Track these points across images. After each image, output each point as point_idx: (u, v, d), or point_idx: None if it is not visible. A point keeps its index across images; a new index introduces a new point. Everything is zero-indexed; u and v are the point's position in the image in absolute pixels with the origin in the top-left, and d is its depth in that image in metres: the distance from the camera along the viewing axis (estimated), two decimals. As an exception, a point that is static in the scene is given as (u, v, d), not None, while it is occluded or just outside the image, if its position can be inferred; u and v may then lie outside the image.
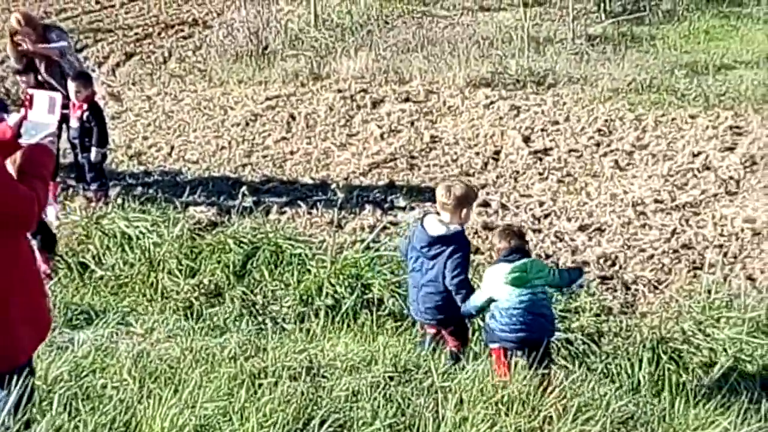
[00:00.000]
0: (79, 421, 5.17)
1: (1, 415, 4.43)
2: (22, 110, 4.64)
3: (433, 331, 7.78)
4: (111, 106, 15.31)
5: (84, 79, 11.00)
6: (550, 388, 6.49)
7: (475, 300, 7.35)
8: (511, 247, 7.31)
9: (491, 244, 7.79)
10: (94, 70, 17.52)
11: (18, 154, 4.48)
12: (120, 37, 20.94)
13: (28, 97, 4.68)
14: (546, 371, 6.94)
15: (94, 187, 11.20)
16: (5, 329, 4.34)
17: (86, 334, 7.16)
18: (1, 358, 4.37)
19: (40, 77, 11.11)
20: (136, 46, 20.38)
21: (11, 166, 4.45)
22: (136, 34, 21.28)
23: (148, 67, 18.62)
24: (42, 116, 4.66)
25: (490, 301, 7.28)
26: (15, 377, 4.44)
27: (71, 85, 10.80)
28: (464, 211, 7.61)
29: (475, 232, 10.48)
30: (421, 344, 7.73)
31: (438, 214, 7.71)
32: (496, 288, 7.22)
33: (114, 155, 12.93)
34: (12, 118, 4.61)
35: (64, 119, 10.56)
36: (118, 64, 18.79)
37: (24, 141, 4.57)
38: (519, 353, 7.13)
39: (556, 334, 8.13)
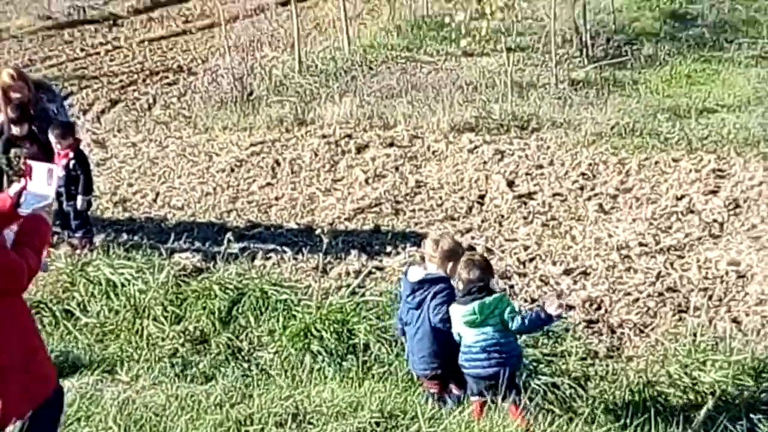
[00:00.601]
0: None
1: None
2: (23, 181, 4.77)
3: (434, 389, 7.78)
4: (96, 153, 15.32)
5: (63, 128, 11.00)
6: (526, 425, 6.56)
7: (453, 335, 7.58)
8: (471, 281, 7.50)
9: (456, 272, 7.75)
10: (78, 117, 17.57)
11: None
12: (105, 84, 20.97)
13: (27, 168, 4.79)
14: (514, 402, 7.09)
15: (79, 234, 11.18)
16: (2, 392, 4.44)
17: (71, 382, 7.13)
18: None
19: (33, 127, 11.09)
20: (121, 93, 20.41)
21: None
22: (120, 81, 21.32)
23: (133, 114, 18.64)
24: (41, 187, 4.80)
25: (459, 337, 7.56)
26: None
27: (51, 135, 10.81)
28: (450, 264, 7.76)
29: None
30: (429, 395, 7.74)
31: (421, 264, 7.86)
32: (458, 327, 7.52)
33: (99, 202, 12.93)
34: (12, 189, 4.76)
35: None
36: (103, 111, 18.81)
37: (22, 211, 4.71)
38: (483, 388, 7.39)
39: (543, 378, 8.17)
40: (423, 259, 8.02)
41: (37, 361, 4.75)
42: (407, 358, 8.09)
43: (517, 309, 7.70)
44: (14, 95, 10.99)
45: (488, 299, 7.45)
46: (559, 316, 7.88)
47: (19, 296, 4.65)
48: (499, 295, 7.66)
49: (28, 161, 5.02)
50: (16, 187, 4.84)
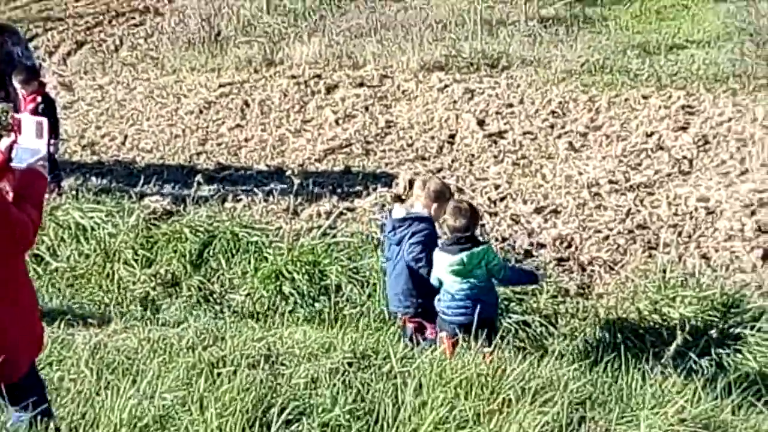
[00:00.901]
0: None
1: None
2: (12, 135, 4.76)
3: (411, 324, 7.79)
4: (63, 95, 15.17)
5: (28, 73, 10.84)
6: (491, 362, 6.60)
7: (431, 279, 7.53)
8: (457, 229, 7.43)
9: (442, 217, 7.79)
10: (44, 60, 17.37)
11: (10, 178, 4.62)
12: (70, 25, 20.76)
13: (15, 122, 4.83)
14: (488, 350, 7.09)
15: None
16: (5, 347, 4.49)
17: (42, 326, 7.09)
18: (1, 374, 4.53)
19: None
20: (87, 34, 20.22)
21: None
22: (86, 22, 21.10)
23: (100, 56, 18.49)
24: (31, 141, 4.78)
25: (439, 282, 7.50)
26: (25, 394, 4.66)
27: (15, 80, 10.66)
28: (435, 206, 7.77)
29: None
30: (402, 335, 7.76)
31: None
32: (441, 273, 7.46)
33: (67, 145, 12.83)
34: (2, 143, 4.74)
35: None
36: (69, 53, 18.63)
37: (15, 165, 4.69)
38: (461, 335, 7.32)
39: (514, 316, 8.22)
40: (400, 198, 7.99)
41: (37, 316, 4.88)
42: (385, 294, 8.08)
43: (502, 260, 7.69)
44: None
45: (476, 250, 7.41)
46: (543, 276, 7.87)
47: (23, 253, 4.73)
48: (486, 246, 7.59)
49: (16, 115, 4.95)
50: (6, 141, 4.79)
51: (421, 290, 7.69)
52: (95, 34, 20.20)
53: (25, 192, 4.61)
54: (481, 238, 7.98)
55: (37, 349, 4.89)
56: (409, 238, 7.69)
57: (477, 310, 7.24)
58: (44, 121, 4.94)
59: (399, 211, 7.87)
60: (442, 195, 7.82)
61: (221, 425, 4.82)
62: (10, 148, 4.74)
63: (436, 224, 7.85)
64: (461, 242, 7.44)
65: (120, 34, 20.19)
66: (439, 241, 7.70)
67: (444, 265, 7.44)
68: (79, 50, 19.03)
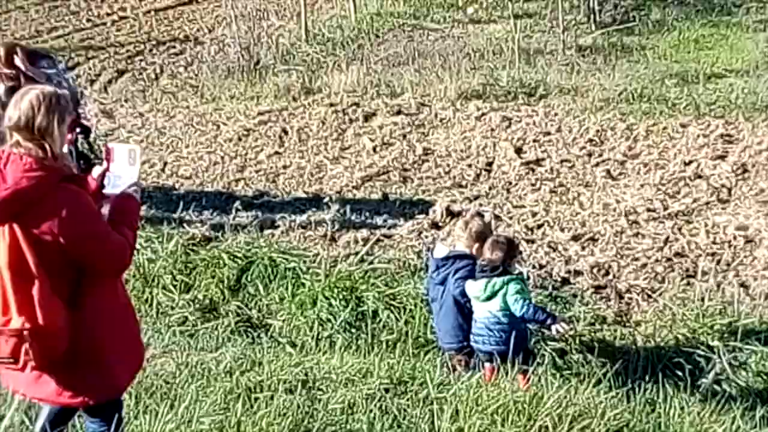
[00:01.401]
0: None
1: None
2: (104, 163, 4.91)
3: (460, 364, 7.84)
4: (103, 123, 15.33)
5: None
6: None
7: None
8: (493, 261, 7.66)
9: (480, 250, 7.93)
10: (86, 88, 17.58)
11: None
12: (111, 54, 21.00)
13: (107, 150, 4.93)
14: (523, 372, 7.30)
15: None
16: (104, 367, 4.70)
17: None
18: (98, 394, 4.74)
19: None
20: (128, 63, 20.44)
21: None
22: (127, 51, 21.35)
23: (140, 84, 18.68)
24: (123, 168, 4.92)
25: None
26: (108, 408, 4.85)
27: None
28: (477, 245, 7.95)
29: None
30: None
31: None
32: (471, 302, 7.74)
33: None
34: (95, 171, 4.90)
35: None
36: (110, 81, 18.85)
37: (108, 191, 4.87)
38: (488, 364, 7.57)
39: (551, 343, 8.22)
40: (437, 226, 8.14)
41: (138, 336, 5.14)
42: (435, 333, 8.23)
43: (525, 294, 7.74)
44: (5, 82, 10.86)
45: (497, 279, 7.58)
46: (562, 326, 7.83)
47: (122, 273, 4.92)
48: (510, 277, 7.70)
49: (109, 144, 5.13)
50: (98, 169, 4.94)
51: (470, 323, 7.85)
52: (136, 63, 20.43)
53: (121, 216, 4.78)
54: (515, 271, 8.02)
55: (136, 369, 5.06)
56: (453, 275, 7.90)
57: (504, 338, 7.34)
58: (137, 148, 5.07)
59: (441, 251, 8.13)
60: (483, 235, 8.02)
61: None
62: (102, 176, 4.89)
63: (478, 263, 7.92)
64: (485, 271, 7.64)
65: (160, 62, 20.39)
66: None
67: (471, 293, 7.68)
68: (120, 78, 19.24)
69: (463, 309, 7.87)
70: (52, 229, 4.43)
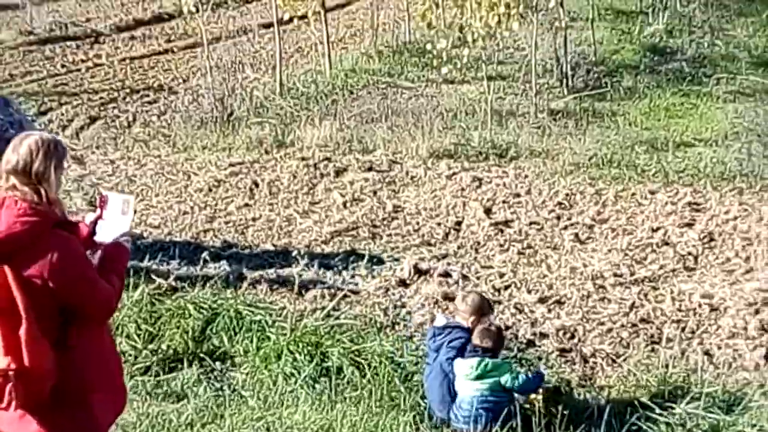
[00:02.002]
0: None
1: None
2: (98, 210, 5.12)
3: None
4: (74, 169, 15.27)
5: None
6: None
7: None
8: (481, 347, 7.97)
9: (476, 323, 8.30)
10: (57, 134, 17.52)
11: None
12: (85, 100, 20.98)
13: (101, 198, 5.11)
14: None
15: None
16: (87, 408, 4.82)
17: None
18: None
19: None
20: (101, 109, 20.43)
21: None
22: (101, 98, 21.33)
23: (112, 131, 18.65)
24: (116, 217, 5.10)
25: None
26: None
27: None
28: (473, 318, 8.28)
29: (435, 302, 10.52)
30: None
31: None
32: (459, 381, 7.90)
33: (75, 219, 12.87)
34: (88, 218, 5.11)
35: None
36: (82, 128, 18.81)
37: (99, 239, 5.04)
38: None
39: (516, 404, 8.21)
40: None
41: (121, 379, 5.27)
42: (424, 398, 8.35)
43: (515, 373, 8.02)
44: None
45: (489, 360, 7.87)
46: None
47: (107, 319, 5.08)
48: (502, 362, 8.06)
49: (103, 192, 5.28)
50: (91, 216, 5.13)
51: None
52: (109, 110, 20.41)
53: (111, 264, 4.94)
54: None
55: (119, 411, 5.19)
56: (447, 344, 8.15)
57: (490, 418, 7.60)
58: (130, 199, 5.27)
59: (440, 320, 8.51)
60: (480, 309, 8.39)
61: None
62: (94, 223, 5.07)
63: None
64: (477, 351, 7.94)
65: (134, 110, 20.39)
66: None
67: (459, 372, 7.87)
68: (92, 125, 19.20)
69: (449, 379, 8.07)
70: (42, 273, 4.57)
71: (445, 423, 8.05)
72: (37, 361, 4.55)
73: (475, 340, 8.07)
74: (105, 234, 5.05)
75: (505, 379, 7.83)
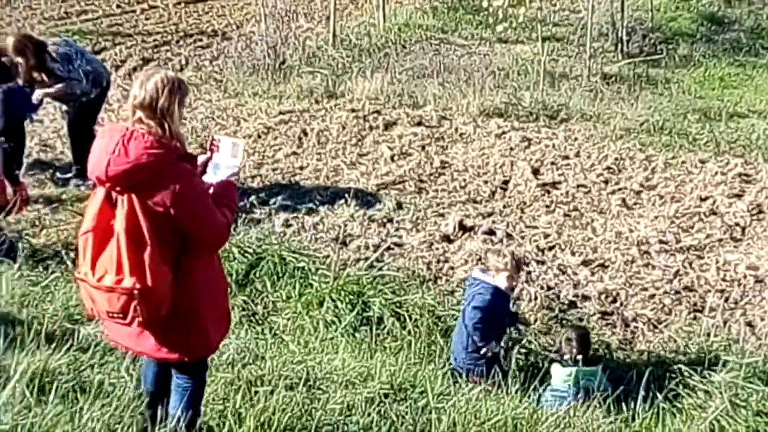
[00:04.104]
0: (76, 412, 5.20)
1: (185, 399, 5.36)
2: (208, 153, 5.42)
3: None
4: (125, 109, 15.34)
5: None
6: None
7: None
8: (576, 355, 8.15)
9: (566, 338, 8.41)
10: (110, 73, 17.61)
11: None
12: (138, 42, 21.05)
13: (213, 142, 5.45)
14: None
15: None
16: (199, 329, 5.19)
17: (86, 329, 7.18)
18: (192, 352, 5.24)
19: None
20: (154, 52, 20.49)
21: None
22: (154, 40, 21.40)
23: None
24: (227, 159, 5.41)
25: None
26: (196, 367, 5.39)
27: None
28: (504, 275, 8.35)
29: (479, 259, 10.51)
30: None
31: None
32: (556, 383, 8.10)
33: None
34: (200, 159, 5.35)
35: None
36: (135, 69, 18.85)
37: (207, 179, 5.33)
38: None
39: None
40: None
41: (227, 303, 5.61)
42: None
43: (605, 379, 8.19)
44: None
45: (581, 371, 8.05)
46: None
47: (219, 248, 5.36)
48: (594, 371, 8.14)
49: (215, 136, 5.54)
50: (203, 157, 5.39)
51: (472, 349, 8.25)
52: (162, 53, 20.46)
53: (223, 199, 5.21)
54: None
55: (225, 333, 5.53)
56: (471, 300, 8.28)
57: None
58: (240, 143, 5.56)
59: (475, 272, 8.64)
60: (513, 267, 8.44)
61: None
62: (205, 164, 5.38)
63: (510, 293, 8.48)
64: (576, 362, 8.11)
65: (186, 54, 20.44)
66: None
67: (558, 377, 8.07)
68: (145, 66, 19.24)
69: (466, 334, 8.22)
70: (165, 202, 4.88)
71: (458, 372, 8.14)
72: (159, 282, 4.90)
73: (564, 349, 8.24)
74: (215, 174, 5.35)
75: (597, 384, 7.98)
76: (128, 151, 4.84)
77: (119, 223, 4.91)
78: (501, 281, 8.31)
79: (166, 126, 4.95)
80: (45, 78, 11.11)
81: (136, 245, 4.89)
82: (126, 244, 4.88)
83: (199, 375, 5.42)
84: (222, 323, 5.42)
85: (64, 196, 11.33)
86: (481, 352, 8.16)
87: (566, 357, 8.18)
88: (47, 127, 13.74)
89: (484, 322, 8.18)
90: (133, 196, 4.89)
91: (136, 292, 4.87)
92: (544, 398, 7.88)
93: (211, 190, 5.24)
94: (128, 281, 4.88)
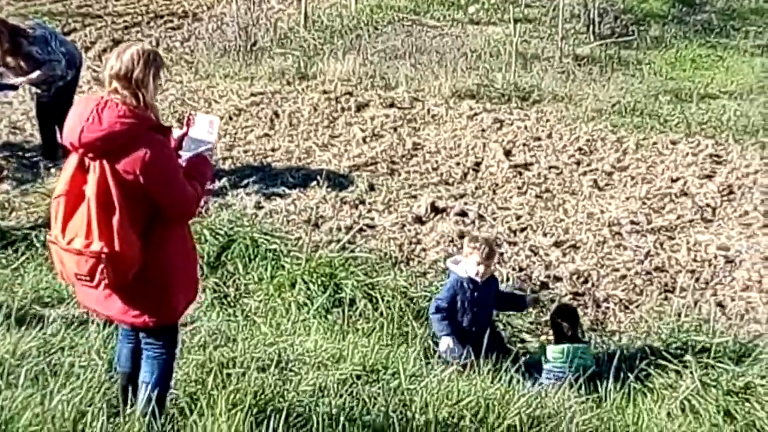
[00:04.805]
0: (46, 394, 5.18)
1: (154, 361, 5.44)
2: (184, 128, 5.52)
3: None
4: (95, 90, 15.27)
5: None
6: None
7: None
8: (564, 333, 8.22)
9: (551, 316, 8.53)
10: (82, 54, 17.48)
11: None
12: (108, 23, 20.92)
13: (189, 117, 5.56)
14: None
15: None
16: (166, 295, 5.29)
17: (57, 312, 7.14)
18: (157, 317, 5.30)
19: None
20: (124, 33, 20.36)
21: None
22: (125, 21, 21.27)
23: (135, 55, 18.58)
24: (202, 134, 5.53)
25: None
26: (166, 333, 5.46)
27: None
28: (474, 259, 8.21)
29: (451, 241, 10.52)
30: None
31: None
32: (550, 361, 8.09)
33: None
34: (175, 133, 5.46)
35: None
36: (105, 50, 18.71)
37: (183, 153, 5.43)
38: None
39: (529, 345, 8.29)
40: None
41: (196, 272, 5.65)
42: None
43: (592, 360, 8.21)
44: None
45: (572, 347, 8.06)
46: None
47: (189, 220, 5.46)
48: (584, 348, 8.22)
49: (192, 112, 5.59)
50: (177, 132, 5.49)
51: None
52: (132, 34, 20.33)
53: (195, 173, 5.35)
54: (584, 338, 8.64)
55: (192, 300, 5.59)
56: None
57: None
58: (216, 120, 5.68)
59: (448, 261, 8.66)
60: (486, 251, 8.27)
61: (229, 424, 4.83)
62: (181, 139, 5.48)
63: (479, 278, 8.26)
64: (565, 339, 8.16)
65: (157, 35, 20.33)
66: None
67: (551, 355, 8.06)
68: (115, 48, 19.11)
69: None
70: (135, 170, 5.00)
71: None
72: (126, 247, 5.01)
73: (559, 320, 8.27)
74: (189, 149, 5.45)
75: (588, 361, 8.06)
76: (102, 120, 4.98)
77: (90, 189, 5.03)
78: (471, 266, 8.24)
79: (140, 96, 5.08)
80: (22, 63, 11.04)
81: (106, 211, 5.01)
82: (96, 209, 5.01)
83: (169, 343, 5.49)
84: (189, 291, 5.52)
85: (32, 179, 11.25)
86: (439, 347, 8.12)
87: (557, 335, 8.28)
88: (16, 109, 13.63)
89: (439, 312, 8.15)
90: (105, 163, 5.01)
91: (103, 255, 4.98)
92: (538, 382, 7.89)
93: (184, 164, 5.34)
94: (96, 245, 4.99)
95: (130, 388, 5.48)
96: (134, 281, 5.13)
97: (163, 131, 5.24)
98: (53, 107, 11.35)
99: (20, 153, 11.98)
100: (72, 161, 5.17)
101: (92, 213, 5.01)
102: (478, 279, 8.19)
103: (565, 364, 7.96)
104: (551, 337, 8.42)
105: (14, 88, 11.55)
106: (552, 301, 9.45)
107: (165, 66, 5.37)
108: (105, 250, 4.97)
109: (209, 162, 5.54)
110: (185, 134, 5.50)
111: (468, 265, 8.22)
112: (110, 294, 5.20)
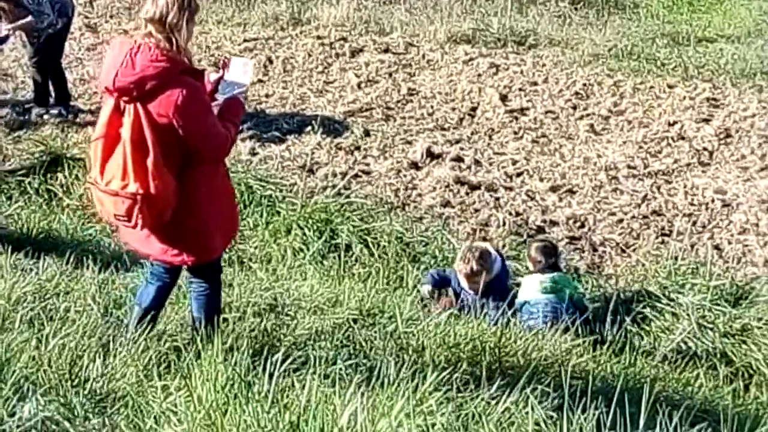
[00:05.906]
0: (42, 337, 5.16)
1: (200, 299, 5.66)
2: (220, 71, 5.57)
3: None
4: (87, 37, 15.14)
5: None
6: None
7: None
8: (547, 263, 8.25)
9: (528, 254, 8.58)
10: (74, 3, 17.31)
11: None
12: (100, -31, 20.68)
13: (224, 61, 5.64)
14: None
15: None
16: (202, 234, 5.44)
17: (52, 258, 7.11)
18: (195, 256, 5.47)
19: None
20: (115, -21, 20.13)
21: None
22: (116, -33, 21.02)
23: (126, 1, 18.39)
24: (237, 77, 5.59)
25: (523, 303, 8.12)
26: (208, 271, 5.64)
27: None
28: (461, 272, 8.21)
29: (447, 186, 10.49)
30: None
31: None
32: (531, 293, 8.11)
33: (87, 87, 12.81)
34: (212, 76, 5.56)
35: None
36: (95, -3, 18.53)
37: (218, 96, 5.52)
38: None
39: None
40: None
41: (234, 211, 5.87)
42: None
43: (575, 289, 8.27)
44: None
45: (557, 276, 8.17)
46: None
47: (224, 159, 5.58)
48: (566, 277, 8.34)
49: (227, 55, 5.81)
50: (214, 75, 5.58)
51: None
52: (124, -19, 20.13)
53: (228, 114, 5.45)
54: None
55: (231, 237, 5.88)
56: None
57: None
58: (250, 63, 5.79)
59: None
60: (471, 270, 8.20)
61: (226, 366, 4.82)
62: (217, 82, 5.55)
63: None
64: (549, 269, 8.22)
65: (149, -19, 20.13)
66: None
67: (535, 285, 8.10)
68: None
69: None
70: (168, 113, 5.10)
71: None
72: (161, 188, 5.15)
73: (537, 256, 8.30)
74: (224, 92, 5.51)
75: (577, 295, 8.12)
76: (135, 64, 5.07)
77: (126, 131, 5.15)
78: (460, 275, 8.21)
79: (174, 40, 5.13)
80: (14, 9, 11.00)
81: (141, 153, 5.13)
82: (131, 152, 5.13)
83: (211, 279, 5.66)
84: (227, 228, 5.68)
85: (25, 126, 11.19)
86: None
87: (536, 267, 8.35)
88: (7, 56, 13.50)
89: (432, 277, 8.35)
90: (139, 106, 5.11)
91: (139, 197, 5.12)
92: (519, 316, 7.88)
93: (215, 109, 5.42)
94: (132, 186, 5.12)
95: (149, 322, 5.61)
96: (171, 222, 5.28)
97: (196, 74, 5.30)
98: (45, 55, 11.33)
99: (12, 100, 11.88)
100: (108, 104, 5.27)
101: (128, 155, 5.13)
102: (468, 291, 8.16)
103: (545, 297, 7.99)
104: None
105: (5, 40, 11.53)
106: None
107: (199, 10, 5.39)
108: (140, 191, 5.11)
109: (242, 104, 5.64)
110: (221, 77, 5.56)
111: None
112: (149, 234, 5.36)
